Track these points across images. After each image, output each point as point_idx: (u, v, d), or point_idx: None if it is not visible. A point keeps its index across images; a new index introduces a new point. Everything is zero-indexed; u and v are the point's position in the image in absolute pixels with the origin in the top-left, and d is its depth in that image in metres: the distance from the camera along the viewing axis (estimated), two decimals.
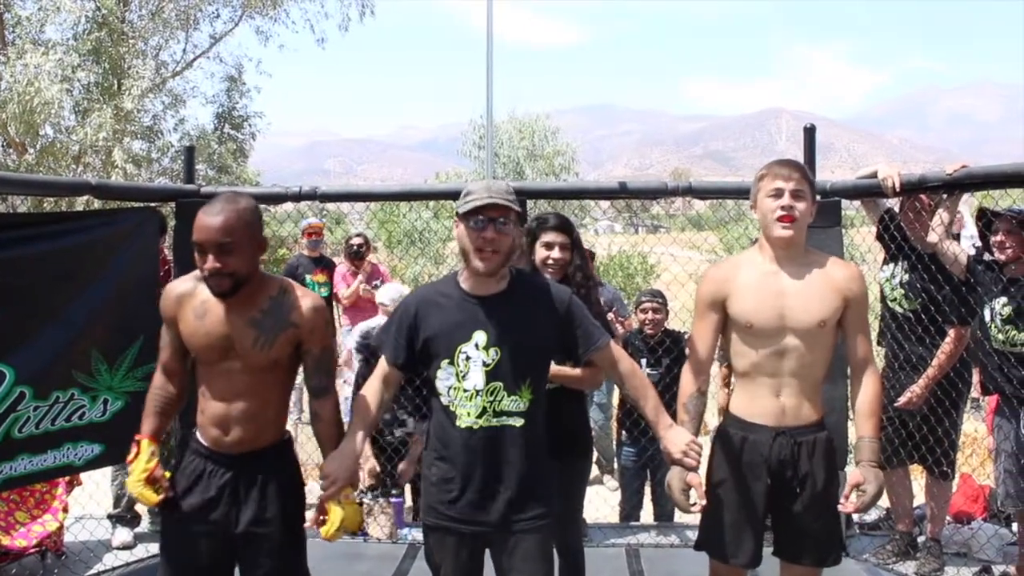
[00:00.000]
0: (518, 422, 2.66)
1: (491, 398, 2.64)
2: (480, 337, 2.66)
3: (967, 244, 4.62)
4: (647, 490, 5.46)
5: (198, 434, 2.86)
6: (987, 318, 4.19)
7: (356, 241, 8.51)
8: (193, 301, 2.79)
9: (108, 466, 4.65)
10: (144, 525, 5.09)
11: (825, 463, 2.91)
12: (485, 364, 2.64)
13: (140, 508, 5.01)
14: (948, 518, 5.05)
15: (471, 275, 2.71)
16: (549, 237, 3.45)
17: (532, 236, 3.49)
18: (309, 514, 2.85)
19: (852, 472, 2.82)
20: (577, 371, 3.30)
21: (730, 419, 3.01)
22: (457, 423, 2.67)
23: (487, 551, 2.79)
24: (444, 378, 2.68)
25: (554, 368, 3.06)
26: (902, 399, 4.47)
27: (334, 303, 8.56)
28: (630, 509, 5.41)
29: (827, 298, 2.85)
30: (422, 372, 2.79)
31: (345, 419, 2.91)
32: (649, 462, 5.29)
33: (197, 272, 2.80)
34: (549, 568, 2.75)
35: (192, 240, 2.65)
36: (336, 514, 2.71)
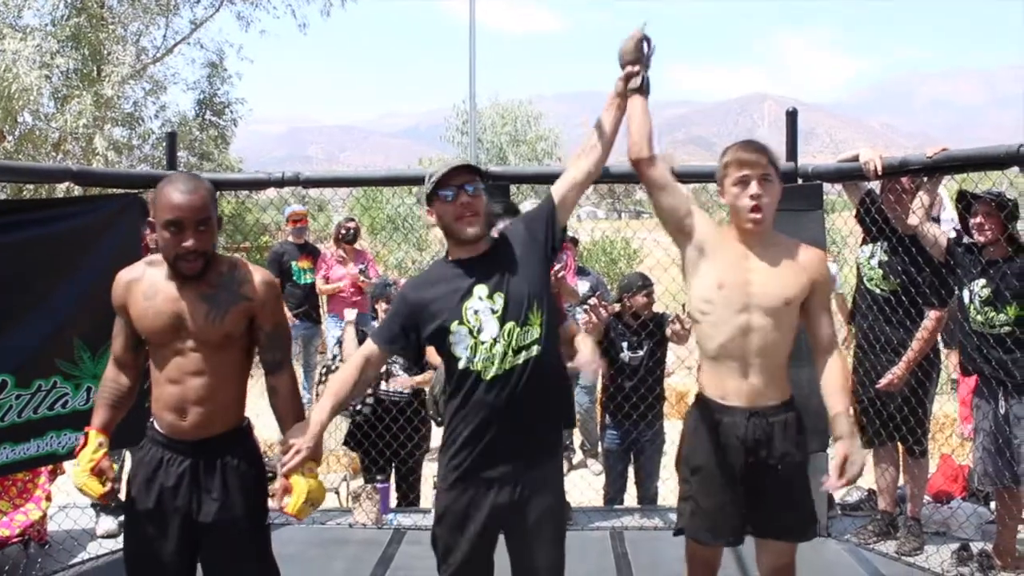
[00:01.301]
0: (535, 350, 2.71)
1: (509, 339, 2.70)
2: (481, 290, 2.73)
3: (947, 227, 4.66)
4: (631, 473, 5.48)
5: (155, 422, 2.83)
6: (966, 300, 4.23)
7: (349, 226, 8.53)
8: (141, 285, 2.77)
9: None
10: None
11: (797, 441, 2.96)
12: (494, 311, 2.71)
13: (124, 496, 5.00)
14: (928, 497, 5.11)
15: (457, 246, 2.79)
16: (501, 225, 3.41)
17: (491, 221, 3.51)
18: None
19: (837, 446, 2.84)
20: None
21: (703, 402, 3.03)
22: (484, 377, 2.70)
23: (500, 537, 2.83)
24: (459, 341, 2.72)
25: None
26: (883, 381, 4.51)
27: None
28: (614, 492, 5.43)
29: (793, 278, 2.89)
30: (427, 351, 2.87)
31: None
32: (632, 445, 5.32)
33: (148, 258, 2.83)
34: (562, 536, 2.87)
35: (165, 219, 2.62)
36: (301, 486, 2.67)
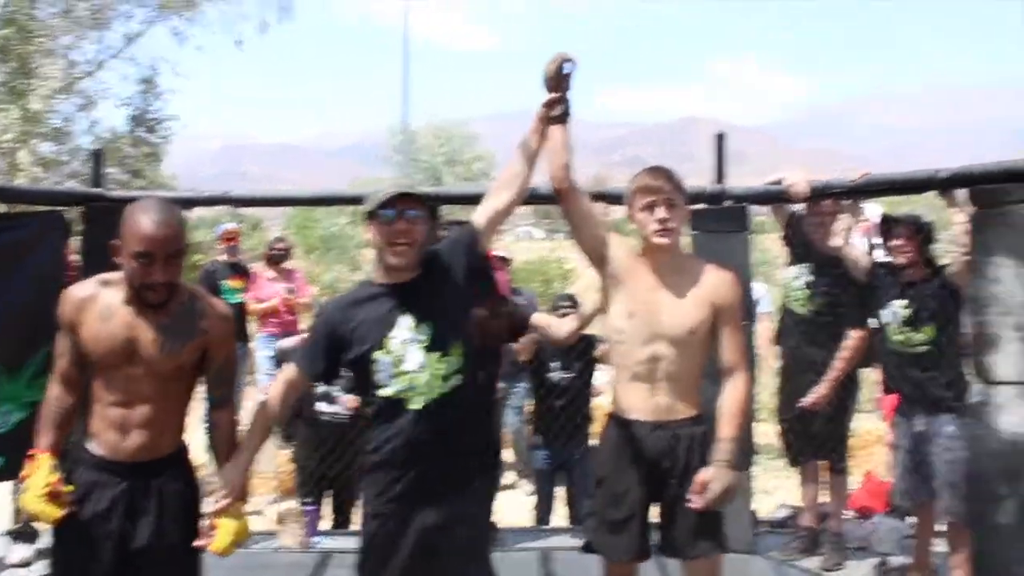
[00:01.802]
0: (458, 379, 2.73)
1: (433, 369, 2.71)
2: (406, 320, 2.73)
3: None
4: (562, 493, 5.50)
5: (90, 444, 2.76)
6: (886, 320, 4.34)
7: (279, 246, 8.44)
8: (96, 305, 2.69)
9: (9, 480, 4.45)
10: (44, 541, 4.92)
11: (702, 456, 2.97)
12: (419, 341, 2.71)
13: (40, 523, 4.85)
14: (852, 513, 5.22)
15: (386, 270, 2.79)
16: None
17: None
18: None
19: (702, 471, 2.91)
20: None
21: (611, 419, 3.09)
22: (409, 407, 2.70)
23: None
24: (382, 369, 2.72)
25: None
26: (808, 400, 4.60)
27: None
28: (544, 513, 5.44)
29: (696, 307, 2.97)
30: (352, 376, 2.87)
31: None
32: (562, 465, 5.34)
33: (101, 277, 2.74)
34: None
35: (134, 250, 2.56)
36: (227, 527, 2.68)
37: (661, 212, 2.94)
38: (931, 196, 4.29)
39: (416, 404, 2.71)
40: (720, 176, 4.89)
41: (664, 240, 2.95)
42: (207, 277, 8.33)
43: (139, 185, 16.06)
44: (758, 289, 7.43)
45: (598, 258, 3.04)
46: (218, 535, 2.67)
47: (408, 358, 2.71)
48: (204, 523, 2.72)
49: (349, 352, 2.77)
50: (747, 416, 3.04)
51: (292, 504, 5.33)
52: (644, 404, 2.98)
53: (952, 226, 4.01)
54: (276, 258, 8.38)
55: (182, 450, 2.85)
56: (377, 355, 2.72)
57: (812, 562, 4.69)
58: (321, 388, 5.25)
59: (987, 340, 3.56)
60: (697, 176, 5.04)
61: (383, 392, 2.73)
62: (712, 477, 2.87)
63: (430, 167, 20.98)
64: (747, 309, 4.84)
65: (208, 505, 2.70)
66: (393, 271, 2.77)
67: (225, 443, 2.85)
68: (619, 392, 3.07)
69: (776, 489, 6.71)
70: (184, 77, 17.78)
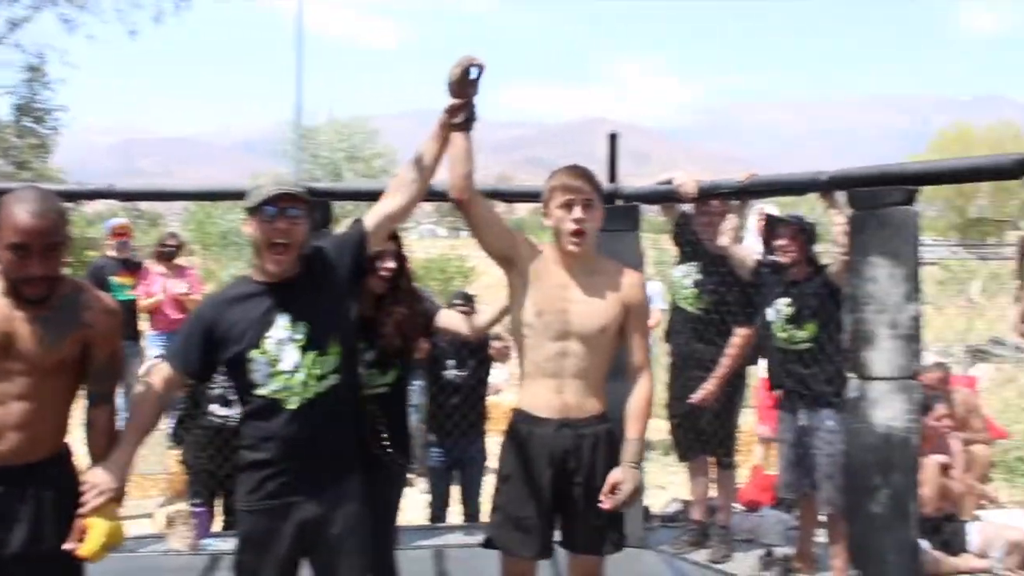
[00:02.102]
0: (334, 379, 2.73)
1: (310, 367, 2.69)
2: (283, 319, 2.70)
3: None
4: (456, 491, 5.49)
5: None
6: (771, 318, 4.46)
7: (170, 242, 8.23)
8: None
9: None
10: None
11: (607, 455, 3.02)
12: (295, 340, 2.69)
13: None
14: (739, 506, 5.35)
15: (264, 268, 2.74)
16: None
17: None
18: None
19: (612, 472, 2.94)
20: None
21: (517, 415, 3.09)
22: (285, 406, 2.68)
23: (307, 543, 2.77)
24: (258, 369, 2.68)
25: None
26: (696, 396, 4.69)
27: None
28: (438, 510, 5.43)
29: (610, 305, 2.99)
30: (226, 374, 2.85)
31: None
32: (456, 462, 5.33)
33: None
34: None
35: (10, 242, 2.44)
36: (98, 529, 2.55)
37: (578, 212, 2.94)
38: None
39: (292, 404, 2.68)
40: (613, 175, 4.95)
41: (577, 241, 2.95)
42: (95, 272, 8.08)
43: (25, 177, 15.45)
44: (652, 287, 7.58)
45: (505, 260, 3.03)
46: (88, 538, 2.55)
47: (284, 358, 2.68)
48: (76, 526, 2.60)
49: (225, 351, 2.72)
50: (644, 419, 3.05)
51: (182, 506, 5.20)
52: (551, 402, 2.98)
53: (833, 227, 4.14)
54: (167, 254, 8.17)
55: (63, 453, 2.73)
56: (253, 354, 2.69)
57: (701, 555, 4.79)
58: (216, 390, 5.15)
59: (863, 337, 3.70)
60: (599, 177, 5.09)
61: (259, 392, 2.70)
62: (622, 478, 2.90)
63: (330, 163, 20.75)
64: None
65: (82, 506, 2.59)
66: (271, 271, 2.74)
67: (100, 443, 2.73)
68: (525, 389, 3.07)
69: (669, 484, 6.83)
70: (73, 66, 17.16)
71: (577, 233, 2.94)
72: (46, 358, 2.55)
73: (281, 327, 2.69)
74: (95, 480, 2.58)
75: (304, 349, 2.69)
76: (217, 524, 5.40)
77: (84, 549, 2.54)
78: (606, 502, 2.89)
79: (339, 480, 2.79)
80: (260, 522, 2.73)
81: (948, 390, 6.31)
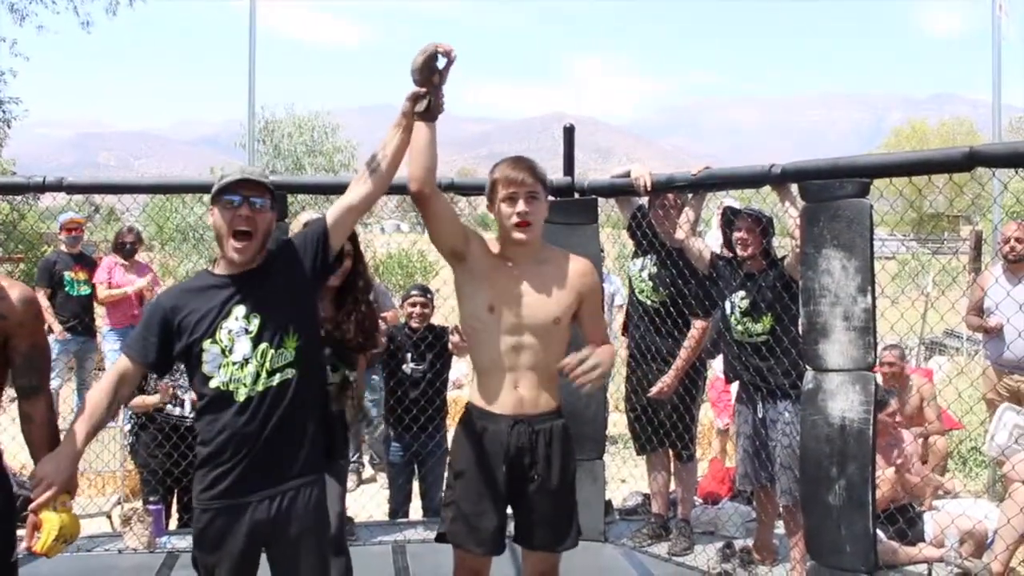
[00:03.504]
0: (289, 373, 2.69)
1: (261, 360, 2.66)
2: (239, 310, 2.68)
3: (713, 244, 4.92)
4: (415, 486, 5.47)
5: None
6: (727, 311, 4.47)
7: (128, 238, 8.13)
8: None
9: None
10: None
11: (562, 450, 3.02)
12: (248, 332, 2.67)
13: None
14: (698, 499, 5.37)
15: (226, 259, 2.71)
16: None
17: None
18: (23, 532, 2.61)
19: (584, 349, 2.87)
20: None
21: (471, 410, 3.07)
22: (236, 398, 2.65)
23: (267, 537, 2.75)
24: (211, 360, 2.66)
25: None
26: (654, 389, 4.70)
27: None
28: (397, 505, 5.40)
29: (561, 296, 2.99)
30: (181, 365, 2.82)
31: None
32: (415, 457, 5.31)
33: None
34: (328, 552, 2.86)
35: None
36: (51, 523, 2.51)
37: (521, 205, 2.91)
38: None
39: (240, 396, 2.66)
40: (570, 169, 4.95)
41: (523, 235, 2.93)
42: (47, 267, 7.98)
43: None
44: (615, 282, 7.59)
45: (455, 255, 2.99)
46: (42, 533, 2.50)
47: (236, 349, 2.66)
48: (29, 522, 2.54)
49: (181, 340, 2.68)
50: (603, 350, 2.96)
51: (137, 504, 5.14)
52: (504, 397, 2.97)
53: (787, 219, 4.17)
54: (126, 250, 8.10)
55: None
56: (206, 345, 2.66)
57: (661, 548, 4.80)
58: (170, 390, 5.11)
59: (818, 329, 3.72)
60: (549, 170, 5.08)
61: (211, 384, 2.67)
62: (588, 354, 2.82)
63: (292, 156, 20.61)
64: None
65: (34, 503, 2.51)
66: (233, 261, 2.70)
67: (42, 435, 2.65)
68: (478, 384, 3.05)
69: (629, 478, 6.85)
70: (24, 57, 16.80)
71: (522, 224, 2.92)
72: None
73: (235, 318, 2.67)
74: (42, 474, 2.51)
75: (256, 341, 2.66)
76: (173, 522, 5.36)
77: (38, 544, 2.50)
78: (575, 371, 2.78)
79: (298, 476, 2.74)
80: (214, 521, 2.69)
81: (904, 376, 6.40)
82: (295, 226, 4.96)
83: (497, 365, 2.98)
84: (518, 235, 2.94)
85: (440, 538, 3.10)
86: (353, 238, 3.43)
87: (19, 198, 7.17)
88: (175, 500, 5.41)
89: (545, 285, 2.98)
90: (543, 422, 3.00)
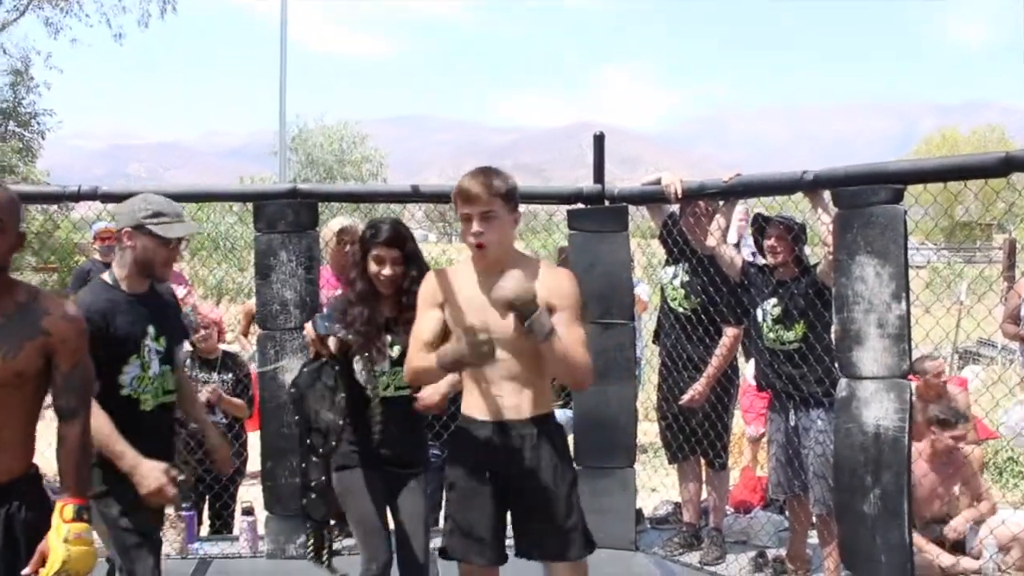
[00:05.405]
0: (173, 397, 3.13)
1: (162, 380, 3.07)
2: (152, 330, 3.03)
3: (746, 252, 4.90)
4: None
5: None
6: (759, 318, 4.45)
7: None
8: None
9: None
10: None
11: (552, 455, 2.93)
12: (159, 352, 3.04)
13: None
14: (729, 508, 5.33)
15: (137, 277, 3.02)
16: (380, 251, 3.29)
17: (364, 246, 3.33)
18: None
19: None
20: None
21: (460, 420, 3.03)
22: (142, 408, 3.00)
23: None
24: (130, 372, 2.96)
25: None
26: (686, 397, 4.68)
27: None
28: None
29: None
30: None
31: None
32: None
33: None
34: None
35: None
36: (56, 555, 2.40)
37: (475, 226, 2.81)
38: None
39: (147, 406, 3.02)
40: (600, 176, 4.95)
41: (481, 255, 2.86)
42: (81, 276, 8.03)
43: (12, 182, 15.37)
44: (645, 290, 7.57)
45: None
46: (46, 566, 2.40)
47: (152, 365, 3.02)
48: (38, 549, 2.46)
49: (109, 352, 2.91)
50: (576, 373, 2.87)
51: (169, 511, 5.17)
52: (487, 405, 2.91)
53: (819, 226, 4.14)
54: None
55: (34, 474, 2.60)
56: (132, 359, 2.97)
57: (693, 557, 4.77)
58: (202, 396, 5.14)
59: (851, 337, 3.69)
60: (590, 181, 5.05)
61: (122, 391, 2.97)
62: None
63: (325, 165, 20.84)
64: (627, 308, 4.92)
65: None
66: (134, 279, 3.02)
67: (73, 460, 2.57)
68: (464, 394, 3.00)
69: (660, 487, 6.82)
70: (58, 70, 17.07)
71: (478, 246, 2.84)
72: (3, 369, 2.42)
73: (151, 336, 3.02)
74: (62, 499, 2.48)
75: (164, 361, 3.06)
76: (205, 528, 5.39)
77: (43, 574, 2.41)
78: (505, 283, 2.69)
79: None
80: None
81: (941, 384, 6.30)
82: (326, 233, 5.00)
83: (475, 376, 2.93)
84: (476, 254, 2.88)
85: (442, 553, 3.06)
86: (401, 242, 3.32)
87: (54, 208, 7.24)
88: (207, 507, 5.45)
89: None
90: (526, 427, 2.91)
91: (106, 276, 3.07)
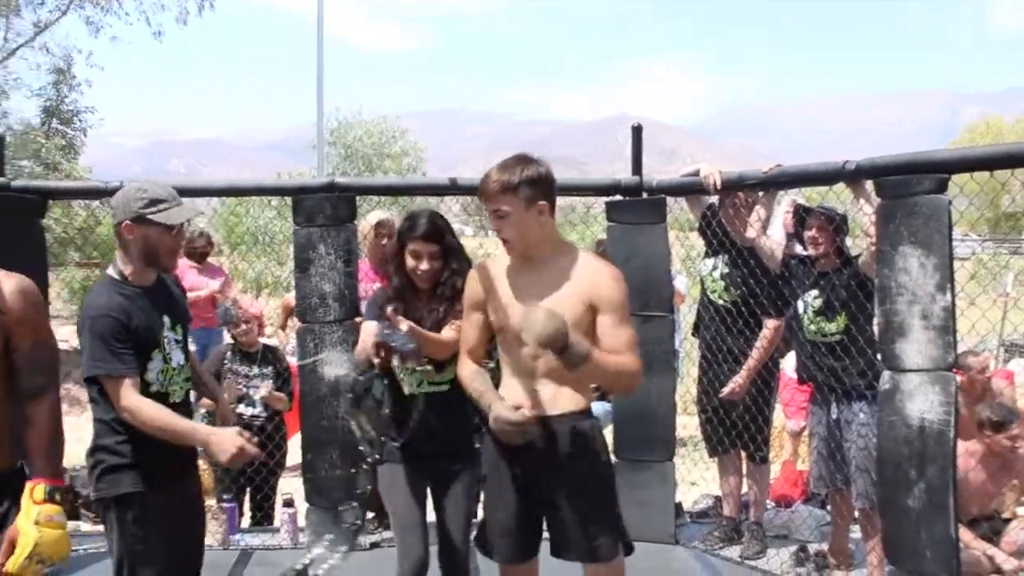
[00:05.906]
0: (190, 384, 3.07)
1: (184, 369, 2.98)
2: (167, 320, 2.93)
3: (798, 248, 4.84)
4: None
5: None
6: (800, 310, 4.40)
7: (200, 243, 8.27)
8: None
9: None
10: None
11: (586, 451, 2.90)
12: (178, 342, 2.96)
13: None
14: (770, 502, 5.29)
15: (144, 271, 2.87)
16: (416, 246, 3.25)
17: (401, 240, 3.31)
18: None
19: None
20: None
21: None
22: (172, 400, 2.89)
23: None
24: (155, 367, 2.85)
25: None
26: (726, 389, 4.64)
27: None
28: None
29: (568, 305, 2.78)
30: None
31: None
32: None
33: None
34: None
35: None
36: (27, 538, 2.27)
37: (495, 223, 2.83)
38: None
39: (174, 399, 2.91)
40: (638, 168, 4.91)
41: (509, 248, 2.88)
42: None
43: (55, 179, 15.61)
44: (683, 282, 7.53)
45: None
46: (16, 549, 2.28)
47: (173, 356, 2.92)
48: (7, 535, 2.36)
49: (136, 350, 2.85)
50: (620, 383, 2.93)
51: (211, 502, 5.23)
52: (523, 398, 2.86)
53: (862, 217, 4.08)
54: (198, 255, 8.24)
55: (19, 469, 2.49)
56: (155, 353, 2.86)
57: (734, 551, 4.74)
58: (241, 390, 5.20)
59: (895, 329, 3.63)
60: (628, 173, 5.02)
61: (151, 388, 2.84)
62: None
63: (365, 158, 20.98)
64: (666, 301, 4.89)
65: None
66: (143, 273, 2.88)
67: (41, 441, 2.42)
68: (504, 389, 2.96)
69: (700, 480, 6.78)
70: (99, 68, 17.31)
71: (504, 241, 2.87)
72: None
73: (168, 327, 2.92)
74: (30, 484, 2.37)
75: (184, 351, 2.99)
76: (246, 520, 5.45)
77: (10, 564, 2.28)
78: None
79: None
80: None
81: (986, 379, 6.19)
82: (363, 227, 5.02)
83: (515, 371, 2.92)
84: (505, 249, 2.91)
85: (476, 541, 3.10)
86: (439, 236, 3.27)
87: (96, 204, 7.34)
88: (248, 498, 5.50)
89: (551, 293, 2.82)
90: (563, 423, 2.88)
91: (112, 273, 2.87)
